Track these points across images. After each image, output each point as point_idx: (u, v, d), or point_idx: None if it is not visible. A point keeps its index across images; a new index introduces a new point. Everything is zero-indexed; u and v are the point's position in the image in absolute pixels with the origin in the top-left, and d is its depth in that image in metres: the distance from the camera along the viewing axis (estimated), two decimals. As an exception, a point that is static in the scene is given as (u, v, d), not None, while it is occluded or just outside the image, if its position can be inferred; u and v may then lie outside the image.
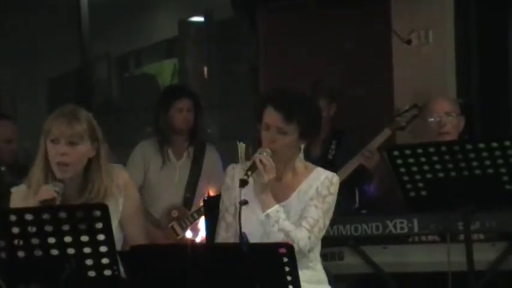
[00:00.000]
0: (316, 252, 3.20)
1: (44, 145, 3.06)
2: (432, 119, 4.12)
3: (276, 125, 3.06)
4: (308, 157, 4.23)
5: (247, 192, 3.08)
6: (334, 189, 3.14)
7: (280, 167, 3.11)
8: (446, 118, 4.10)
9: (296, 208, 3.11)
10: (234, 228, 3.12)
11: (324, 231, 3.15)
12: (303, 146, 3.15)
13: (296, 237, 3.02)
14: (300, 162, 3.19)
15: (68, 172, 3.03)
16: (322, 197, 3.11)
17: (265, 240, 3.02)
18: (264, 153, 3.05)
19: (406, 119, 4.37)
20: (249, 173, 3.02)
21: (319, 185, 3.12)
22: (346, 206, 4.31)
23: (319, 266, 3.21)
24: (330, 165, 4.47)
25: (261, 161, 3.02)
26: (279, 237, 3.01)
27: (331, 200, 3.13)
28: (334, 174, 3.19)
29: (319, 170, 3.19)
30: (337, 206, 4.26)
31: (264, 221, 3.03)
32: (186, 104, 4.62)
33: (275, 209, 3.04)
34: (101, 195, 3.06)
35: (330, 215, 3.14)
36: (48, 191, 2.95)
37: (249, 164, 3.08)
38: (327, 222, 3.13)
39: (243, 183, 2.99)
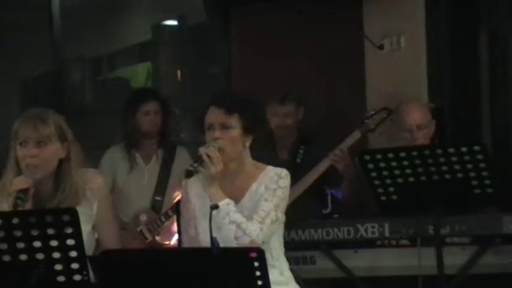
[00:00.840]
0: (279, 249, 3.20)
1: (14, 148, 3.05)
2: (405, 132, 4.12)
3: (218, 122, 3.10)
4: (276, 161, 4.25)
5: (204, 201, 3.10)
6: (284, 182, 3.15)
7: (232, 167, 3.13)
8: (417, 133, 4.11)
9: (249, 208, 3.12)
10: (196, 241, 3.14)
11: (278, 224, 3.15)
12: (248, 143, 3.17)
13: (248, 229, 3.03)
14: (249, 161, 3.20)
15: (38, 174, 3.03)
16: (272, 191, 3.12)
17: (217, 237, 3.01)
18: (211, 147, 3.07)
19: (375, 122, 4.39)
20: (195, 165, 3.04)
21: (268, 181, 3.14)
22: (317, 210, 4.33)
23: (284, 264, 3.21)
24: (298, 170, 4.50)
25: (207, 154, 3.04)
26: (230, 229, 3.01)
27: (281, 193, 3.13)
28: (284, 169, 3.19)
29: (269, 168, 3.20)
30: (308, 210, 4.29)
31: (215, 214, 3.03)
32: (153, 107, 4.61)
33: (225, 202, 3.05)
34: (73, 196, 3.05)
35: (282, 208, 3.14)
36: (23, 180, 2.96)
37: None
38: (280, 215, 3.13)
39: (189, 173, 3.02)
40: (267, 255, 3.00)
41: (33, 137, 3.02)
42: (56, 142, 3.05)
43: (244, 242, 3.00)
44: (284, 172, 3.18)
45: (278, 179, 3.14)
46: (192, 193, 3.20)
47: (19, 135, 3.03)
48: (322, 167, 4.39)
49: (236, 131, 3.11)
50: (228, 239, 3.00)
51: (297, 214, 4.04)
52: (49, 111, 3.11)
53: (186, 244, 3.20)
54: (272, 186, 3.13)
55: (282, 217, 3.15)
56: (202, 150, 3.05)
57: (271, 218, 3.09)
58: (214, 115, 3.12)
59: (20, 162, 3.04)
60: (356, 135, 4.39)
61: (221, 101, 3.14)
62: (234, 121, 3.11)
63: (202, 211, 3.11)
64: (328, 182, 4.42)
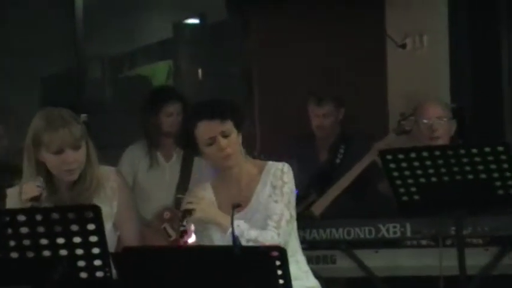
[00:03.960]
0: (295, 245, 3.18)
1: (35, 158, 3.00)
2: (425, 121, 4.13)
3: (218, 131, 3.08)
4: (316, 161, 4.24)
5: (220, 200, 3.11)
6: (288, 177, 3.13)
7: (234, 171, 3.13)
8: (438, 123, 4.11)
9: (259, 210, 3.11)
10: (210, 241, 3.14)
11: (293, 222, 3.13)
12: (240, 140, 3.16)
13: (265, 240, 3.01)
14: (247, 160, 3.19)
15: (76, 174, 3.03)
16: (279, 189, 3.10)
17: None
18: (191, 199, 3.08)
19: (410, 123, 4.37)
20: (185, 221, 3.01)
21: (272, 178, 3.12)
22: (353, 208, 4.30)
23: (301, 258, 3.20)
24: (337, 170, 4.49)
25: (187, 203, 3.04)
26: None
27: (288, 188, 3.11)
28: (284, 163, 3.17)
29: (269, 164, 3.18)
30: (345, 209, 4.25)
31: (231, 239, 3.02)
32: (176, 108, 4.60)
33: (235, 225, 3.03)
34: (93, 186, 3.05)
35: (293, 203, 3.13)
36: (33, 188, 2.93)
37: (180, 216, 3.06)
38: (293, 212, 3.12)
39: (183, 233, 3.00)
40: None
41: (69, 143, 2.98)
42: (84, 139, 3.04)
43: None
44: (286, 166, 3.15)
45: (282, 174, 3.12)
46: (208, 196, 3.17)
47: (52, 145, 2.97)
48: (363, 163, 4.36)
49: (234, 134, 3.12)
50: None
51: (334, 212, 4.05)
52: (63, 110, 3.06)
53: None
54: (278, 184, 3.11)
55: (294, 213, 3.14)
56: (182, 207, 3.05)
57: (286, 219, 3.07)
58: (211, 128, 3.09)
59: (54, 169, 3.01)
60: (391, 137, 4.37)
61: (210, 112, 3.10)
62: (230, 126, 3.10)
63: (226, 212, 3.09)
64: (370, 178, 4.39)
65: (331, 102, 4.61)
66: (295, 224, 3.18)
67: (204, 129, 3.09)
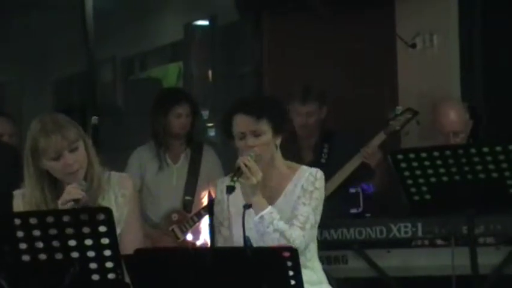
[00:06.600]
0: (313, 250, 3.19)
1: (35, 166, 3.02)
2: (442, 132, 4.12)
3: (249, 129, 3.08)
4: (301, 162, 4.22)
5: (237, 201, 3.08)
6: (320, 183, 3.14)
7: (264, 170, 3.11)
8: (453, 139, 4.11)
9: (285, 210, 3.11)
10: (231, 241, 3.15)
11: (316, 227, 3.14)
12: (278, 143, 3.16)
13: (291, 237, 3.03)
14: (280, 161, 3.19)
15: (80, 176, 3.05)
16: (309, 193, 3.11)
17: (260, 245, 3.02)
18: (249, 157, 3.05)
19: (399, 123, 4.36)
20: (235, 178, 3.01)
21: (304, 181, 3.14)
22: (343, 209, 4.30)
23: (317, 265, 3.21)
24: (324, 169, 4.47)
25: (245, 164, 3.02)
26: (274, 238, 3.01)
27: (318, 195, 3.13)
28: (318, 169, 3.19)
29: (303, 168, 3.19)
30: (335, 210, 4.27)
31: (258, 222, 3.03)
32: (185, 109, 4.59)
33: (268, 211, 3.05)
34: (95, 186, 3.06)
35: (320, 210, 3.14)
36: (78, 191, 2.96)
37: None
38: (318, 218, 3.13)
39: (230, 189, 2.98)
40: (302, 257, 3.01)
41: (65, 146, 3.00)
42: (80, 140, 3.06)
43: None
44: (319, 173, 3.17)
45: (314, 180, 3.14)
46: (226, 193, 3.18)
47: (49, 151, 2.99)
48: (353, 164, 4.36)
49: (268, 136, 3.11)
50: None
51: (324, 214, 4.04)
52: (56, 114, 3.10)
53: (220, 244, 3.20)
54: (309, 188, 3.12)
55: (318, 220, 3.15)
56: (239, 161, 3.03)
57: (311, 223, 3.09)
58: (244, 123, 3.10)
59: (57, 174, 3.03)
60: (381, 136, 4.37)
61: (248, 107, 3.11)
62: (264, 126, 3.10)
63: (238, 211, 3.11)
64: (358, 178, 4.39)
65: (314, 101, 4.57)
66: (316, 231, 3.18)
67: (238, 123, 3.11)
